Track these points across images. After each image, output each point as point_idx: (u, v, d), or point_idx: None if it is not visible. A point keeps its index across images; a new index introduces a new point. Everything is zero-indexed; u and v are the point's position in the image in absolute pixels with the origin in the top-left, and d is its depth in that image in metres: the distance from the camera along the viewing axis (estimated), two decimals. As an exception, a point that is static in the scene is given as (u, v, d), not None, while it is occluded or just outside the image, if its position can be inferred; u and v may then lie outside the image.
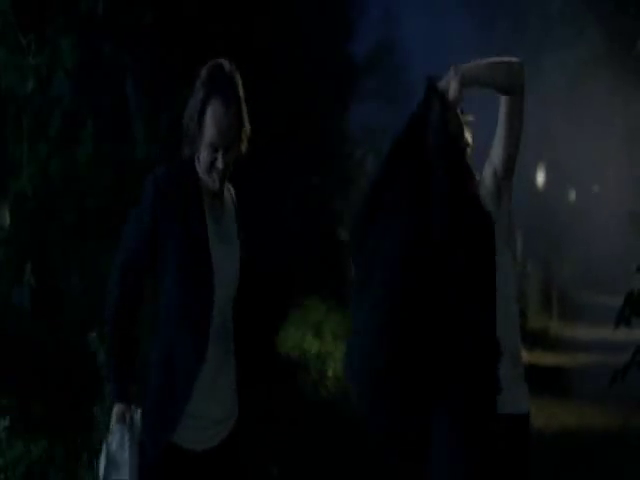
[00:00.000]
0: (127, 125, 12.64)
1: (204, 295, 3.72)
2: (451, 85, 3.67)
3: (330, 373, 12.54)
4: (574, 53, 24.53)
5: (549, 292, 27.90)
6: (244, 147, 3.79)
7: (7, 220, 8.40)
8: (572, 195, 35.80)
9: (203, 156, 3.67)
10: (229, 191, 3.96)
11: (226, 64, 3.73)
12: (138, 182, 3.78)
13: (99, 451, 3.71)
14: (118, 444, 3.66)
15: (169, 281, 3.74)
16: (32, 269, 8.35)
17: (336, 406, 10.80)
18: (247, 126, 3.77)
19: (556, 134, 28.00)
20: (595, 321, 23.63)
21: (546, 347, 21.12)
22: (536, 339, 21.48)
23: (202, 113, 3.64)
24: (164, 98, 12.84)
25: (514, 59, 3.79)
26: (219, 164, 3.67)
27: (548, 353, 20.42)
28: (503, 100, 3.84)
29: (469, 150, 3.90)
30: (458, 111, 3.84)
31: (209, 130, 3.63)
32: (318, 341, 14.15)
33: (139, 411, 3.75)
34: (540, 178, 29.06)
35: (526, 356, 19.86)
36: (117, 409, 3.73)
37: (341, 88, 21.85)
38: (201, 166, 3.70)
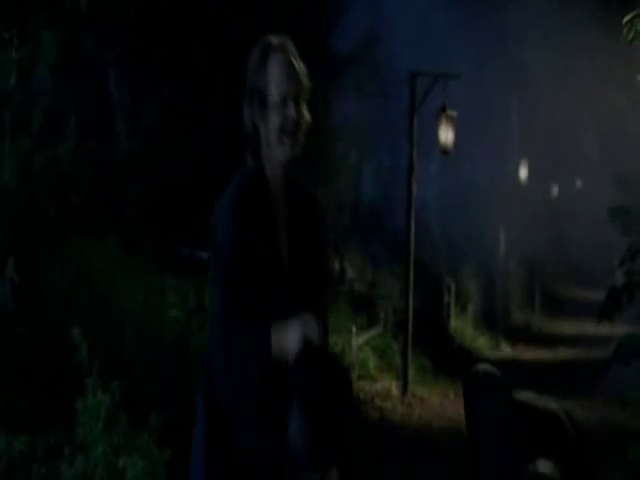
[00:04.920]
0: (110, 121, 12.63)
1: None
2: None
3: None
4: (556, 50, 24.63)
5: (531, 287, 28.01)
6: (307, 108, 3.34)
7: (-12, 215, 8.38)
8: (555, 191, 35.92)
9: (272, 121, 3.27)
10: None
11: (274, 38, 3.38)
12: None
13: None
14: None
15: None
16: (14, 265, 8.33)
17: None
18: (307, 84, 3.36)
19: (538, 131, 28.08)
20: (577, 316, 23.67)
21: (528, 342, 21.17)
22: (518, 334, 21.56)
23: (264, 70, 3.28)
24: (147, 94, 12.84)
25: None
26: (291, 113, 3.28)
27: (530, 348, 20.47)
28: None
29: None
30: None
31: (276, 82, 3.28)
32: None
33: None
34: (522, 174, 29.17)
35: (509, 351, 20.02)
36: None
37: (324, 82, 21.86)
38: (271, 135, 3.29)
